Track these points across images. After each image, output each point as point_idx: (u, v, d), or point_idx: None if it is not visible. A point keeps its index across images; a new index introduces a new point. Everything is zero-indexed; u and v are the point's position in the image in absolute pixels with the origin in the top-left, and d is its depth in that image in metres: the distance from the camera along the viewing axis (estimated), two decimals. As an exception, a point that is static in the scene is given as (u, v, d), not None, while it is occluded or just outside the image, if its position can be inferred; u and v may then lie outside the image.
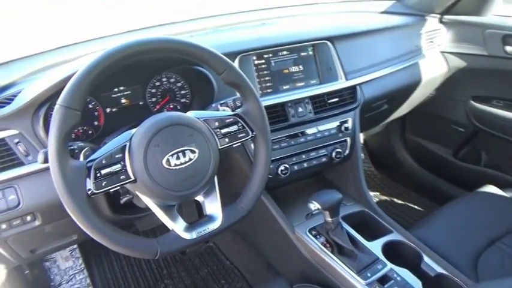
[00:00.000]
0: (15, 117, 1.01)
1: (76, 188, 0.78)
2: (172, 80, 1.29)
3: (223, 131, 0.94)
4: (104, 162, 0.81)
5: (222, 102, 1.08)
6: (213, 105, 1.10)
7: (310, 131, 1.36)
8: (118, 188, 0.83)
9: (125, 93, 1.23)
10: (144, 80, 1.25)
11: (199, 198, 0.96)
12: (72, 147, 0.90)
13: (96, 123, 1.20)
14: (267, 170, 0.99)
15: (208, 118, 0.94)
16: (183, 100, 1.31)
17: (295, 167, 1.36)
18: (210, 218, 0.93)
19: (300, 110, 1.33)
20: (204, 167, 0.88)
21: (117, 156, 0.83)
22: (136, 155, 0.82)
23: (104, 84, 1.17)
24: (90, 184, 0.80)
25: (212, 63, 0.92)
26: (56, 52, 1.42)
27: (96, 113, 1.19)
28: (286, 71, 1.35)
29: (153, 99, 1.27)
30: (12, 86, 1.16)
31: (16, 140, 1.00)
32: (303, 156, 1.36)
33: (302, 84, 1.37)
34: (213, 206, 0.95)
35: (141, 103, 1.26)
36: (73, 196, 0.78)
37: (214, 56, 0.92)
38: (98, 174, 0.80)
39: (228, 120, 0.95)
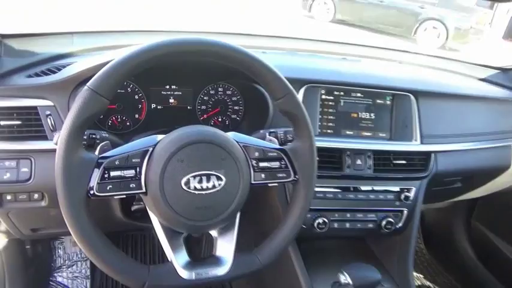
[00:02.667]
0: (54, 88, 0.94)
1: (76, 183, 0.67)
2: (228, 92, 1.17)
3: (262, 164, 0.80)
4: (117, 163, 0.70)
5: (271, 130, 0.94)
6: (261, 131, 0.96)
7: (364, 188, 1.17)
8: (123, 196, 0.72)
9: (175, 93, 1.14)
10: (199, 84, 1.15)
11: (214, 233, 0.81)
12: (93, 136, 0.80)
13: (137, 116, 1.11)
14: (300, 223, 0.83)
15: (250, 145, 0.80)
16: (233, 116, 1.20)
17: (335, 225, 1.17)
18: (218, 261, 0.79)
19: (359, 162, 1.15)
20: (227, 200, 0.74)
21: (134, 160, 0.72)
22: (155, 164, 0.71)
23: (156, 78, 1.09)
24: (94, 183, 0.69)
25: (272, 85, 0.79)
26: (125, 35, 1.38)
27: (139, 106, 1.11)
28: (355, 115, 1.19)
29: (203, 107, 1.16)
30: (69, 57, 1.11)
31: (48, 112, 0.93)
32: (348, 215, 1.17)
33: (369, 134, 1.19)
34: (225, 247, 0.80)
35: (189, 107, 1.16)
36: (70, 192, 0.67)
37: (276, 78, 0.78)
38: (106, 175, 0.69)
39: (271, 154, 0.81)
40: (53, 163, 0.94)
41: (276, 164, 0.81)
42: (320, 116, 1.15)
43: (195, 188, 0.71)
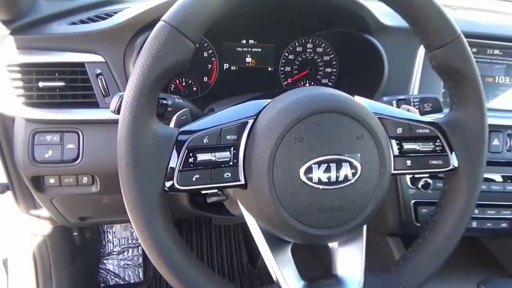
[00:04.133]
0: (105, 38, 0.71)
1: (151, 171, 0.45)
2: (319, 50, 0.90)
3: (408, 146, 0.54)
4: (206, 141, 0.47)
5: (401, 97, 0.67)
6: (385, 98, 0.69)
7: (500, 177, 0.88)
8: (214, 190, 0.49)
9: (254, 49, 0.88)
10: (283, 39, 0.88)
11: (332, 243, 0.57)
12: (164, 102, 0.57)
13: (205, 79, 0.87)
14: (461, 231, 0.57)
15: (389, 117, 0.54)
16: (324, 81, 0.93)
17: (458, 223, 0.89)
18: (342, 284, 0.54)
19: (496, 142, 0.86)
20: (363, 199, 0.50)
21: (228, 137, 0.48)
22: (260, 144, 0.47)
23: (230, 30, 0.84)
24: (174, 172, 0.46)
25: (431, 26, 0.51)
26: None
27: (209, 66, 0.86)
28: (490, 79, 0.89)
29: (287, 69, 0.90)
30: (122, 3, 0.87)
31: (98, 71, 0.70)
32: (476, 211, 0.89)
33: (509, 105, 0.90)
34: (351, 263, 0.56)
35: (270, 69, 0.90)
36: (140, 184, 0.44)
37: (438, 15, 0.51)
38: (191, 160, 0.46)
39: (420, 131, 0.54)
40: (106, 138, 0.73)
41: (428, 146, 0.55)
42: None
43: (320, 181, 0.47)
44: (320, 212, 0.48)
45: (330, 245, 0.57)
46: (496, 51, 0.88)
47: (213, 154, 0.47)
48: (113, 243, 1.37)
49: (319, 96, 0.49)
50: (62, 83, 0.70)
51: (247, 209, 0.52)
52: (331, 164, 0.48)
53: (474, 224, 0.90)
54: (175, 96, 0.60)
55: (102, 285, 1.35)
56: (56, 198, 0.79)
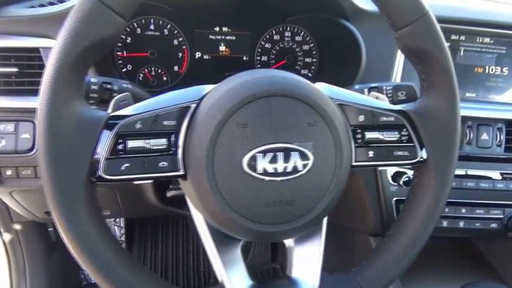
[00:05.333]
0: (58, 22, 0.67)
1: (71, 159, 0.40)
2: (298, 38, 0.86)
3: (370, 135, 0.49)
4: (138, 126, 0.43)
5: (373, 85, 0.62)
6: (357, 86, 0.64)
7: (490, 173, 0.83)
8: (148, 180, 0.44)
9: (228, 37, 0.84)
10: (259, 26, 0.84)
11: (289, 241, 0.53)
12: (108, 86, 0.53)
13: (176, 68, 0.83)
14: (428, 232, 0.52)
15: (351, 104, 0.49)
16: (304, 71, 0.88)
17: (444, 223, 0.84)
18: (293, 286, 0.50)
19: (485, 137, 0.81)
20: (316, 193, 0.45)
21: (166, 123, 0.44)
22: (199, 130, 0.42)
23: (202, 17, 0.79)
24: (101, 159, 0.41)
25: (398, 3, 0.47)
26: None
27: (180, 54, 0.82)
28: (480, 69, 0.83)
29: (264, 58, 0.86)
30: None
31: None
32: (463, 211, 0.84)
33: (499, 97, 0.84)
34: (307, 263, 0.51)
35: (245, 58, 0.86)
36: (59, 174, 0.40)
37: None
38: (121, 146, 0.42)
39: (385, 119, 0.50)
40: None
41: (393, 135, 0.50)
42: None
43: (265, 172, 0.43)
44: (267, 207, 0.44)
45: (286, 243, 0.52)
46: (487, 40, 0.82)
47: (146, 141, 0.43)
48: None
49: (267, 79, 0.45)
50: (16, 69, 0.66)
51: (192, 202, 0.48)
52: (278, 153, 0.43)
53: (462, 224, 0.84)
54: (123, 81, 0.56)
55: (84, 283, 1.32)
56: (16, 191, 0.76)
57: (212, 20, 0.82)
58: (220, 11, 0.81)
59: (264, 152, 0.43)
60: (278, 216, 0.44)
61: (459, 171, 0.81)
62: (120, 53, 0.79)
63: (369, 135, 0.49)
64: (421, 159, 0.50)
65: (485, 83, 0.83)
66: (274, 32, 0.85)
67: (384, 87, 0.61)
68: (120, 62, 0.80)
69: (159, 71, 0.82)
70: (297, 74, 0.86)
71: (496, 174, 0.82)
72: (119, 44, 0.78)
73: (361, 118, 0.49)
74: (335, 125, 0.45)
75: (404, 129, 0.50)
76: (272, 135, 0.43)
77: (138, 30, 0.79)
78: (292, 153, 0.43)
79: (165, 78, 0.83)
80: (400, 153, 0.50)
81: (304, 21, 0.82)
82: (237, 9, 0.81)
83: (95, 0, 0.39)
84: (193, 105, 0.45)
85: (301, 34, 0.85)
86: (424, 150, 0.50)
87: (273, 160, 0.43)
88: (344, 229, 0.99)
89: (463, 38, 0.81)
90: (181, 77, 0.83)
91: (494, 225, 0.85)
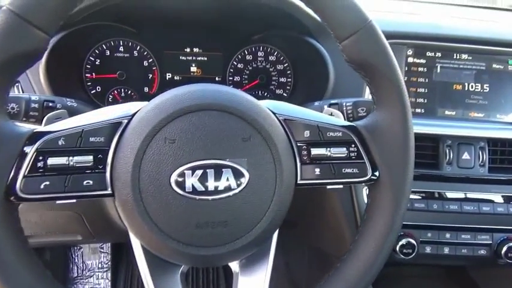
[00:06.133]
0: None
1: None
2: (271, 58, 0.85)
3: (317, 151, 0.46)
4: (61, 143, 0.41)
5: (333, 102, 0.60)
6: (317, 103, 0.62)
7: (474, 195, 0.78)
8: (70, 200, 0.42)
9: (199, 58, 0.83)
10: (229, 46, 0.83)
11: (233, 265, 0.49)
12: (51, 104, 0.52)
13: (146, 89, 0.82)
14: (386, 252, 0.48)
15: (296, 119, 0.47)
16: (279, 91, 0.86)
17: (428, 249, 0.79)
18: None
19: (466, 156, 0.76)
20: (254, 212, 0.42)
21: (93, 139, 0.42)
22: (126, 146, 0.40)
23: (172, 37, 0.79)
24: (19, 177, 0.39)
25: (335, 14, 0.45)
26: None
27: (150, 76, 0.82)
28: (458, 87, 0.80)
29: (236, 78, 0.85)
30: None
31: None
32: (447, 236, 0.79)
33: (481, 115, 0.80)
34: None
35: (217, 78, 0.85)
36: None
37: (348, 6, 0.44)
38: (41, 164, 0.40)
39: (332, 134, 0.47)
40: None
41: (340, 152, 0.46)
42: (407, 88, 0.78)
43: (194, 190, 0.40)
44: (198, 228, 0.41)
45: (232, 268, 0.49)
46: (464, 56, 0.79)
47: (69, 158, 0.41)
48: (81, 268, 1.31)
49: (198, 93, 0.43)
50: None
51: (126, 221, 0.45)
52: (208, 170, 0.40)
53: (447, 250, 0.79)
54: (68, 99, 0.55)
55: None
56: None
57: (183, 40, 0.82)
58: (191, 31, 0.81)
59: (193, 169, 0.40)
60: (211, 239, 0.41)
61: (441, 190, 0.77)
62: (88, 75, 0.79)
63: (315, 151, 0.46)
64: (373, 177, 0.47)
65: (465, 100, 0.80)
66: (246, 52, 0.84)
67: (344, 104, 0.59)
68: (89, 83, 0.79)
69: (129, 92, 0.81)
70: (272, 94, 0.86)
71: (480, 196, 0.77)
72: (88, 66, 0.78)
73: (307, 134, 0.46)
74: (273, 140, 0.43)
75: (353, 145, 0.47)
76: (202, 151, 0.41)
77: (107, 52, 0.79)
78: (224, 170, 0.41)
79: (135, 100, 0.82)
80: (349, 170, 0.46)
81: (271, 39, 0.81)
82: (207, 31, 0.81)
83: (11, 14, 0.38)
84: (125, 121, 0.43)
85: (275, 54, 0.84)
86: (374, 169, 0.47)
87: (203, 177, 0.40)
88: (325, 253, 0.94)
89: (439, 54, 0.79)
90: (152, 97, 0.82)
91: (482, 251, 0.80)
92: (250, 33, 0.81)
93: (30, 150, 0.40)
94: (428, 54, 0.79)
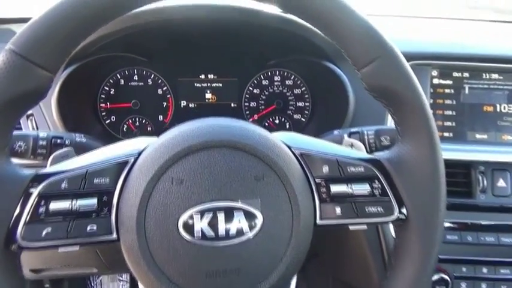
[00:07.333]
0: None
1: None
2: (288, 82, 0.82)
3: (336, 188, 0.42)
4: (65, 186, 0.38)
5: (353, 130, 0.56)
6: (336, 132, 0.58)
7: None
8: (75, 247, 0.40)
9: (214, 85, 0.81)
10: (245, 72, 0.81)
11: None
12: (59, 141, 0.50)
13: (161, 117, 0.81)
14: None
15: (313, 153, 0.43)
16: (296, 116, 0.83)
17: (463, 285, 0.72)
18: None
19: (501, 184, 0.71)
20: (270, 258, 0.39)
21: (98, 181, 0.39)
22: (131, 188, 0.38)
23: (186, 64, 0.78)
24: (19, 224, 0.37)
25: (355, 43, 0.41)
26: None
27: (164, 104, 0.80)
28: (489, 108, 0.75)
29: (252, 104, 0.82)
30: None
31: None
32: (484, 270, 0.72)
33: (516, 138, 0.74)
34: None
35: (233, 105, 0.82)
36: None
37: (363, 29, 0.41)
38: (42, 209, 0.37)
39: (353, 169, 0.43)
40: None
41: (363, 188, 0.42)
42: (432, 111, 0.73)
43: (204, 235, 0.37)
44: (209, 277, 0.37)
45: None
46: (495, 76, 0.74)
47: (72, 202, 0.38)
48: (99, 297, 1.29)
49: (207, 129, 0.40)
50: None
51: (131, 266, 0.42)
52: (218, 213, 0.37)
53: (484, 287, 0.72)
54: (77, 134, 0.53)
55: None
56: None
57: (197, 67, 0.80)
58: (205, 58, 0.79)
59: (202, 212, 0.37)
60: (225, 286, 0.38)
61: (475, 221, 0.71)
62: (103, 105, 0.78)
63: (335, 188, 0.42)
64: (400, 216, 0.42)
65: (497, 123, 0.74)
66: (262, 76, 0.81)
67: (366, 132, 0.55)
68: (104, 113, 0.78)
69: (143, 121, 0.80)
70: (290, 119, 0.83)
71: (519, 227, 0.71)
72: (102, 96, 0.78)
73: (326, 169, 0.43)
74: (288, 178, 0.39)
75: (377, 181, 0.42)
76: (211, 192, 0.37)
77: (122, 81, 0.78)
78: (235, 212, 0.37)
79: (149, 129, 0.80)
80: (373, 209, 0.42)
81: (288, 64, 0.79)
82: (220, 55, 0.79)
83: (14, 54, 0.37)
84: (132, 160, 0.41)
85: (292, 78, 0.81)
86: (400, 207, 0.42)
87: (213, 221, 0.37)
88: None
89: (466, 74, 0.74)
90: (166, 126, 0.80)
91: (524, 287, 0.73)
92: (267, 58, 0.78)
93: (32, 195, 0.38)
94: (455, 74, 0.74)
